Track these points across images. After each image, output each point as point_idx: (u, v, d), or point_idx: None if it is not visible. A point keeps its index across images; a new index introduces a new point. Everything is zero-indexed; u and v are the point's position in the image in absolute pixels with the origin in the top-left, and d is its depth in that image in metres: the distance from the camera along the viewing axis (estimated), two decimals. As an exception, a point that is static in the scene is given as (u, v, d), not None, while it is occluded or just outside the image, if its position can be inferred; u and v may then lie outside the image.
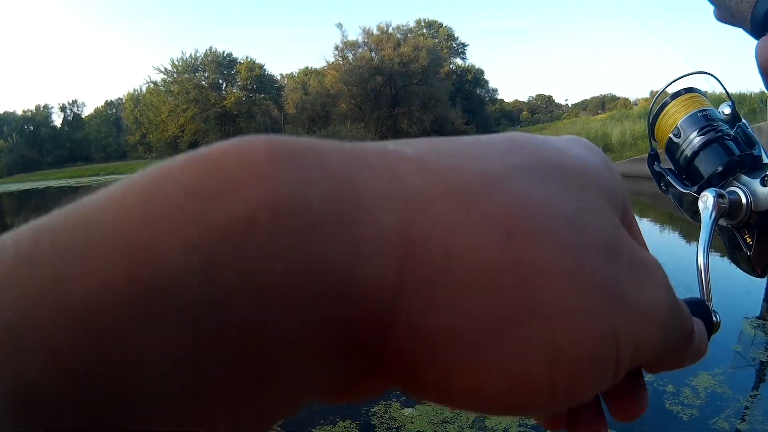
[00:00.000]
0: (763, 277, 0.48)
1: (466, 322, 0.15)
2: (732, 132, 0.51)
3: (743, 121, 0.52)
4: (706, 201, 0.44)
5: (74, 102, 54.54)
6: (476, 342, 0.15)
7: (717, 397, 2.93)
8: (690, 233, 6.24)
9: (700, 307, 0.27)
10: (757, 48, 0.30)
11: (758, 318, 3.94)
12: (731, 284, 4.92)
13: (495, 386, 0.16)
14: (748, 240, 0.47)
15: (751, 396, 2.97)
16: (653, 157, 0.58)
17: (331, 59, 35.96)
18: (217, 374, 0.13)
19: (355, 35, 36.89)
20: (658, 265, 0.20)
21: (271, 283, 0.13)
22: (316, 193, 0.14)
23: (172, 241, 0.12)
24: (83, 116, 54.15)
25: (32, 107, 52.92)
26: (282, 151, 0.14)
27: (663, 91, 0.54)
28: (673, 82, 0.54)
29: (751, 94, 16.28)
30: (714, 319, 0.29)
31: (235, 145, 0.14)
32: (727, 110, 0.53)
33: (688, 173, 0.52)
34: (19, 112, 51.28)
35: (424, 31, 41.25)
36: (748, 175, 0.47)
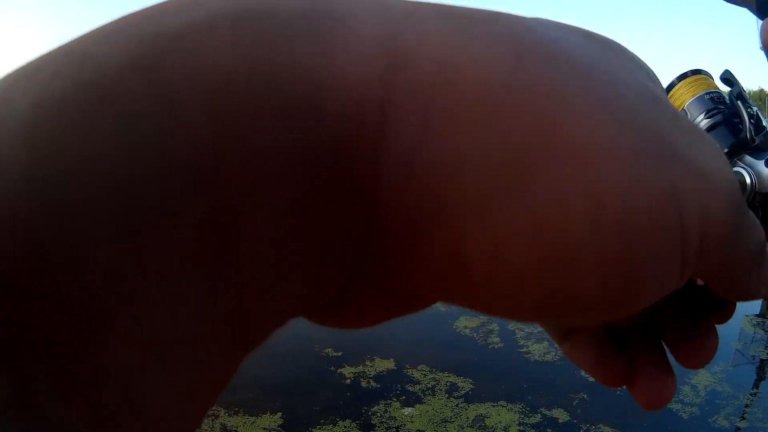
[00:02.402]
0: None
1: (474, 151, 0.12)
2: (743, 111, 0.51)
3: (748, 102, 0.52)
4: None
5: None
6: (491, 180, 0.12)
7: (717, 395, 2.93)
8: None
9: None
10: (761, 27, 0.30)
11: (758, 316, 3.93)
12: (731, 282, 4.91)
13: (523, 249, 0.12)
14: None
15: (751, 394, 2.97)
16: None
17: None
18: (152, 216, 0.10)
19: None
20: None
21: (229, 93, 0.11)
22: (284, 4, 0.12)
23: (118, 47, 0.10)
24: None
25: None
26: None
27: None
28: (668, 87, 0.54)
29: (750, 92, 16.32)
30: None
31: None
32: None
33: None
34: None
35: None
36: (753, 155, 0.48)
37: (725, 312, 0.20)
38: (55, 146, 0.09)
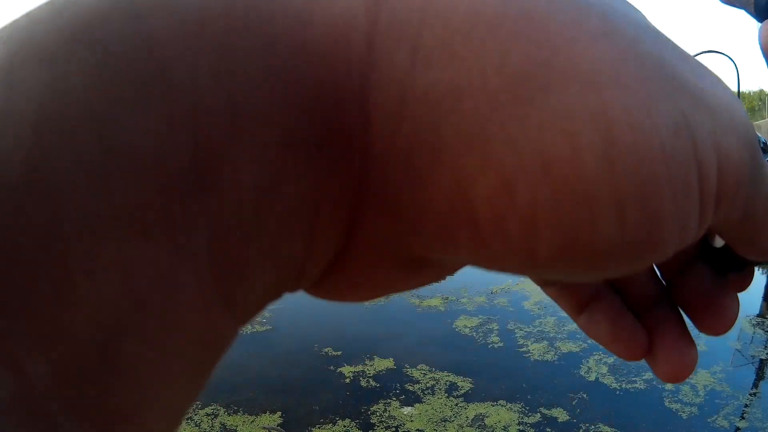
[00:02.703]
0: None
1: (469, 81, 0.11)
2: None
3: None
4: None
5: None
6: (491, 111, 0.11)
7: (716, 395, 2.93)
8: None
9: None
10: (760, 30, 0.30)
11: (757, 316, 3.93)
12: (730, 282, 4.92)
13: (532, 187, 0.11)
14: None
15: (750, 394, 2.97)
16: None
17: None
18: (128, 158, 0.09)
19: None
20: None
21: (207, 28, 0.10)
22: None
23: None
24: None
25: None
26: None
27: None
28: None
29: (749, 93, 16.30)
30: None
31: None
32: None
33: None
34: None
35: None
36: None
37: (745, 276, 0.19)
38: (32, 84, 0.09)
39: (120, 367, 0.10)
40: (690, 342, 0.19)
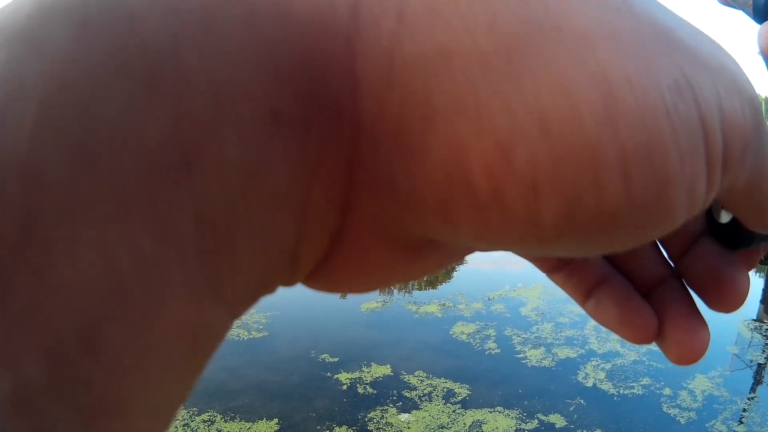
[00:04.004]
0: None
1: (459, 41, 0.10)
2: None
3: None
4: None
5: None
6: (483, 72, 0.10)
7: (714, 399, 2.93)
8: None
9: None
10: (759, 32, 0.30)
11: (755, 320, 3.94)
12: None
13: (531, 149, 0.10)
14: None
15: (748, 398, 2.97)
16: None
17: None
18: (108, 130, 0.09)
19: None
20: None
21: None
22: None
23: None
24: None
25: None
26: None
27: None
28: None
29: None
30: None
31: None
32: None
33: None
34: None
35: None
36: None
37: (754, 253, 0.19)
38: (11, 64, 0.09)
39: (102, 355, 0.09)
40: (701, 322, 0.18)
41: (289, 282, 0.13)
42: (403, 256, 0.13)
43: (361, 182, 0.12)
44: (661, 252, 0.20)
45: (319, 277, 0.14)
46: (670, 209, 0.11)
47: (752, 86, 0.13)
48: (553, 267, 0.20)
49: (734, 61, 0.13)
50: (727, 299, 0.18)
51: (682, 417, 2.77)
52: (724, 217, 0.18)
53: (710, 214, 0.19)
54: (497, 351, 3.51)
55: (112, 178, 0.09)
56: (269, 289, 0.13)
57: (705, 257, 0.18)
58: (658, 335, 0.18)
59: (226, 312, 0.11)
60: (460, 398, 2.99)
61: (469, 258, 6.12)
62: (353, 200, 0.12)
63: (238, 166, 0.10)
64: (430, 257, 0.14)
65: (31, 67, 0.09)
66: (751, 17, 0.32)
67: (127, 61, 0.09)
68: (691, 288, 0.19)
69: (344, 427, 2.74)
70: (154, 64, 0.09)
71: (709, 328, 0.19)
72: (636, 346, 3.52)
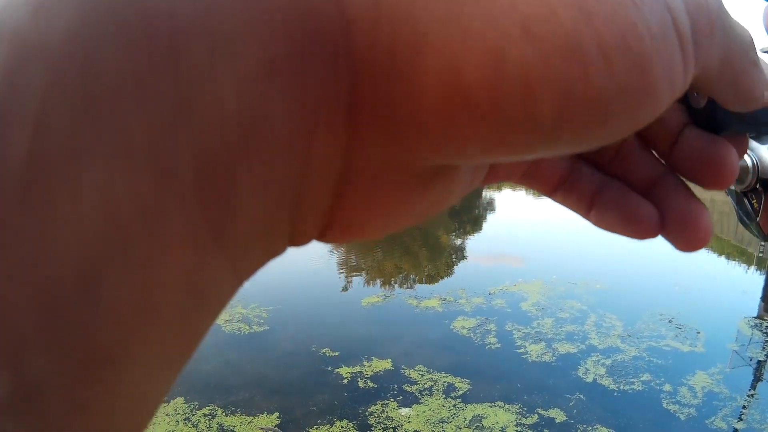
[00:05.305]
0: None
1: None
2: None
3: None
4: None
5: None
6: None
7: (714, 396, 2.94)
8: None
9: None
10: (766, 10, 0.30)
11: (755, 317, 3.94)
12: (728, 284, 4.93)
13: (520, 49, 0.11)
14: (755, 205, 0.47)
15: (748, 395, 2.98)
16: None
17: None
18: (111, 88, 0.09)
19: None
20: None
21: None
22: None
23: None
24: None
25: None
26: None
27: None
28: None
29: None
30: None
31: None
32: None
33: None
34: None
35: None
36: (757, 140, 0.47)
37: (742, 139, 0.19)
38: (14, 20, 0.09)
39: (100, 301, 0.09)
40: (700, 205, 0.19)
41: (298, 240, 0.13)
42: (413, 189, 0.14)
43: (363, 121, 0.12)
44: (652, 154, 0.21)
45: (331, 229, 0.14)
46: (653, 89, 0.12)
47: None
48: (553, 188, 0.21)
49: None
50: (718, 174, 0.19)
51: (681, 413, 2.78)
52: (701, 102, 0.19)
53: (690, 106, 0.19)
54: (498, 346, 3.52)
55: (114, 121, 0.09)
56: (275, 246, 0.13)
57: (692, 143, 0.19)
58: (661, 228, 0.19)
59: (229, 264, 0.11)
60: (460, 393, 3.00)
61: (469, 253, 6.12)
62: (356, 141, 0.12)
63: (236, 112, 0.10)
64: (438, 186, 0.15)
65: (37, 23, 0.09)
66: None
67: (124, 11, 0.10)
68: (684, 177, 0.20)
69: (345, 422, 2.75)
70: (149, 14, 0.10)
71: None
72: (635, 342, 3.53)
